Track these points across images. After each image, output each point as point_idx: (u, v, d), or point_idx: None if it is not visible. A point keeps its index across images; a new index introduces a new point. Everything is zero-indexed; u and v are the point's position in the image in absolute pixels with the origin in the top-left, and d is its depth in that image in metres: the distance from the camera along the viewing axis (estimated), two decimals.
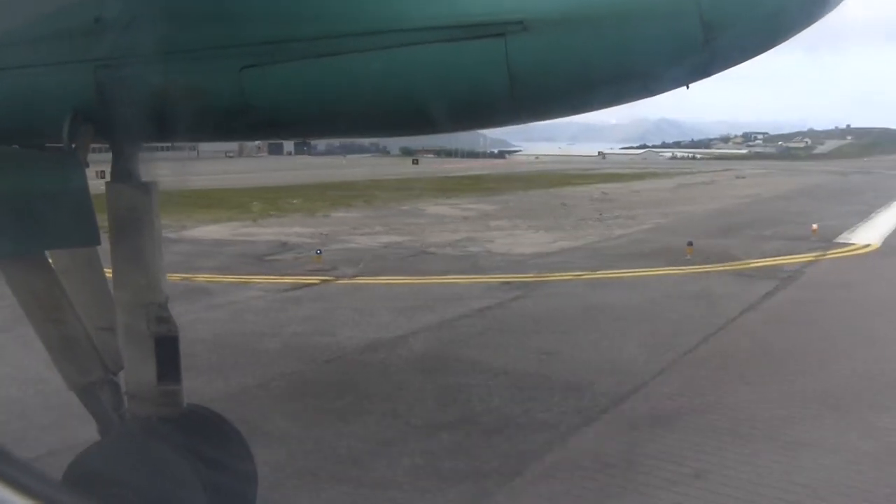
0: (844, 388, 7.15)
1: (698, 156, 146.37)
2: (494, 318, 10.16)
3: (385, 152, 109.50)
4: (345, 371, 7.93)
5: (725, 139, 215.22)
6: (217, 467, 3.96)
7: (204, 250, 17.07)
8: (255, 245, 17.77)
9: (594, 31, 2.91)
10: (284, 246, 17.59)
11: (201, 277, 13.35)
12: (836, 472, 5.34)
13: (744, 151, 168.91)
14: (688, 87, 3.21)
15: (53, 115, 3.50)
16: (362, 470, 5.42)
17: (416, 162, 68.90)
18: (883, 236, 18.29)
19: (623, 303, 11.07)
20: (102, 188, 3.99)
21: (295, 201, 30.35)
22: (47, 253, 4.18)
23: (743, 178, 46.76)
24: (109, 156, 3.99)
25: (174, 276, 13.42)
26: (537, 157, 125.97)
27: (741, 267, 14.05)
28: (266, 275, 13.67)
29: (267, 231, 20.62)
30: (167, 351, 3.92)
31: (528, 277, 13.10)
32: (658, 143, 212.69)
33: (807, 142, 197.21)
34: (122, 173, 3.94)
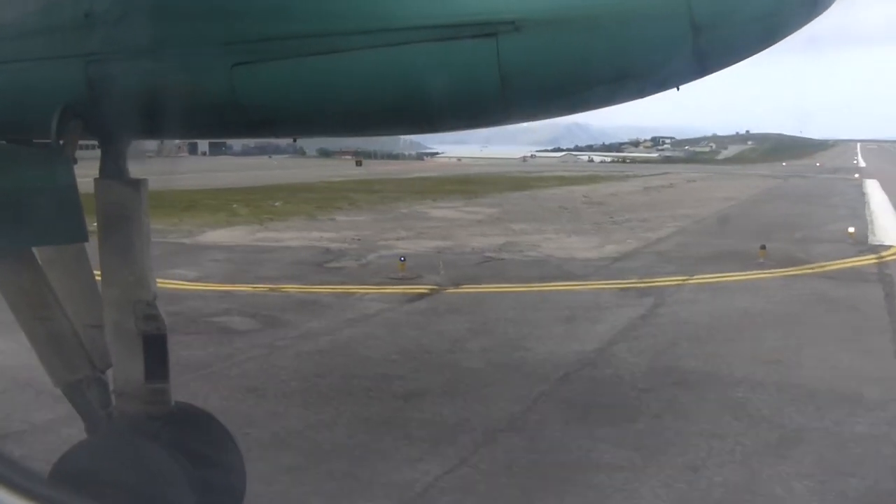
0: None
1: (619, 159, 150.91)
2: (663, 326, 9.86)
3: (301, 153, 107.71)
4: (601, 389, 7.39)
5: (636, 143, 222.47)
6: (205, 466, 3.96)
7: (245, 258, 16.00)
8: (296, 251, 16.80)
9: (585, 32, 2.93)
10: (329, 252, 16.66)
11: (290, 288, 12.42)
12: None
13: (655, 155, 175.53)
14: (678, 89, 3.23)
15: (42, 111, 3.45)
16: None
17: (359, 164, 67.94)
18: None
19: (771, 309, 10.98)
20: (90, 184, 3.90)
21: (277, 204, 29.07)
22: (35, 249, 4.14)
23: (693, 182, 48.34)
24: (94, 152, 3.97)
25: (261, 287, 12.48)
26: (460, 159, 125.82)
27: (821, 270, 14.31)
28: (351, 284, 12.83)
29: (289, 236, 19.56)
30: (155, 348, 3.94)
31: (637, 283, 12.85)
32: (570, 146, 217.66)
33: (712, 146, 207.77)
34: (111, 169, 3.95)
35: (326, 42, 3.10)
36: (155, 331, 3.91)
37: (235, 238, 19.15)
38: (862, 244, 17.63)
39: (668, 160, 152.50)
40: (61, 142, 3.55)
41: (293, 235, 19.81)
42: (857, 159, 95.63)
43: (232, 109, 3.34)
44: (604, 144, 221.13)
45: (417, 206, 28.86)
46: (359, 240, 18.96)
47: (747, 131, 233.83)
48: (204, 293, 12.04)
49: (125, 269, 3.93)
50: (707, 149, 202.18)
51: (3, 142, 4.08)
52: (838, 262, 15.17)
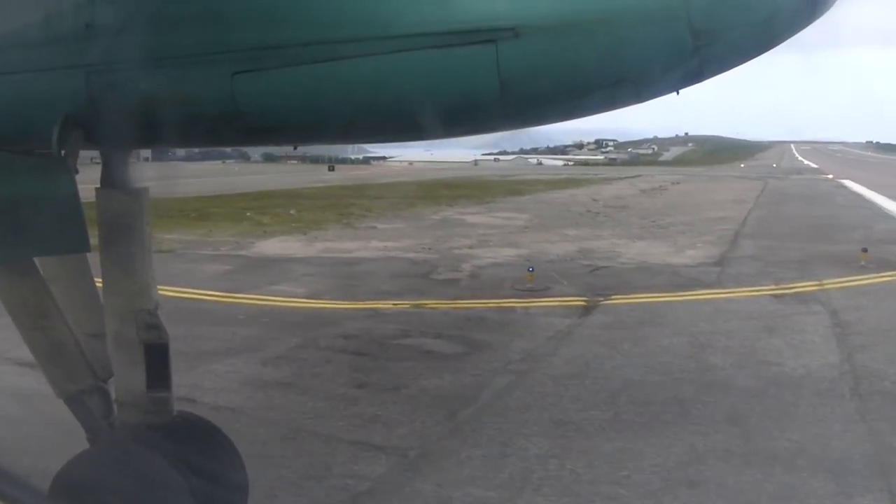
0: None
1: (566, 162, 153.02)
2: (874, 332, 9.63)
3: (246, 158, 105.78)
4: None
5: (580, 145, 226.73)
6: (207, 476, 3.98)
7: (334, 271, 15.23)
8: (383, 263, 16.09)
9: (585, 38, 2.96)
10: (416, 263, 16.03)
11: (435, 304, 11.81)
12: None
13: (600, 157, 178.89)
14: (678, 93, 3.27)
15: (44, 121, 3.46)
16: None
17: (332, 169, 66.87)
18: None
19: None
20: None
21: (292, 212, 28.09)
22: (36, 259, 4.19)
23: (678, 184, 49.13)
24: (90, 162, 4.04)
25: (401, 303, 11.82)
26: (411, 163, 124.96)
27: None
28: (486, 298, 12.29)
29: (351, 246, 18.80)
30: (157, 358, 3.99)
31: (778, 290, 12.68)
32: (515, 149, 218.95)
33: (654, 148, 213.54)
34: (112, 179, 4.01)
35: (327, 50, 3.11)
36: (156, 340, 3.96)
37: (297, 250, 18.21)
38: None
39: (612, 162, 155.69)
40: (63, 152, 3.54)
41: (356, 245, 19.04)
42: (801, 160, 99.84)
43: (233, 117, 3.33)
44: (548, 147, 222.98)
45: (443, 211, 28.33)
46: (429, 249, 18.36)
47: (686, 133, 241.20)
48: (346, 312, 11.29)
49: (126, 278, 4.00)
50: (649, 151, 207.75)
51: (5, 152, 4.01)
52: None
